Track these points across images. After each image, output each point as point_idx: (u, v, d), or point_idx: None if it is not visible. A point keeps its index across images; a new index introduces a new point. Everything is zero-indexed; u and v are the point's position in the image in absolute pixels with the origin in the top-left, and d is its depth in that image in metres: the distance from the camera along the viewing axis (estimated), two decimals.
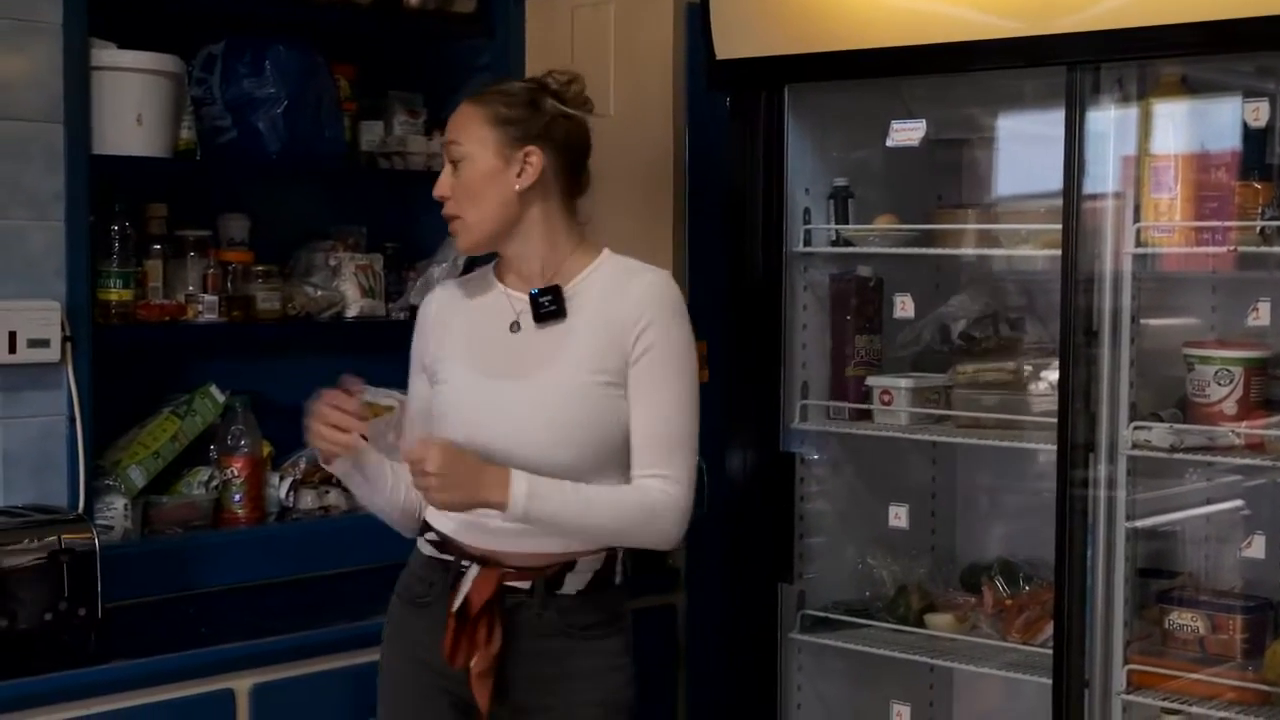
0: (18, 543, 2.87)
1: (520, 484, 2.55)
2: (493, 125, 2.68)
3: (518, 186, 2.68)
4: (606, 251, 2.76)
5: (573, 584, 2.68)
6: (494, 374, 2.67)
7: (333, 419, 2.62)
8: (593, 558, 2.69)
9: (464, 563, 2.65)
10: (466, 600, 2.62)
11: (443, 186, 2.71)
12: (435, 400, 2.73)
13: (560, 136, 2.72)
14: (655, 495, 2.65)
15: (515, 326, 2.70)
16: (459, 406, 2.68)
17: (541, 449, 2.62)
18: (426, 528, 2.74)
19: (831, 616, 3.58)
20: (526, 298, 2.70)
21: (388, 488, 2.74)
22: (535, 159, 2.68)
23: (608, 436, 2.65)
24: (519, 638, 2.65)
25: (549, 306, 2.68)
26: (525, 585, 2.65)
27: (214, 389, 3.57)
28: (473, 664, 2.62)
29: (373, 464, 2.72)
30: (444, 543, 2.69)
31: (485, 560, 2.65)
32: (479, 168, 2.68)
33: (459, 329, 2.74)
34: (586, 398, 2.64)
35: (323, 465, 2.76)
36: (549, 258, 2.72)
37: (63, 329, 3.16)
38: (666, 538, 2.69)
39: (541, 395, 2.64)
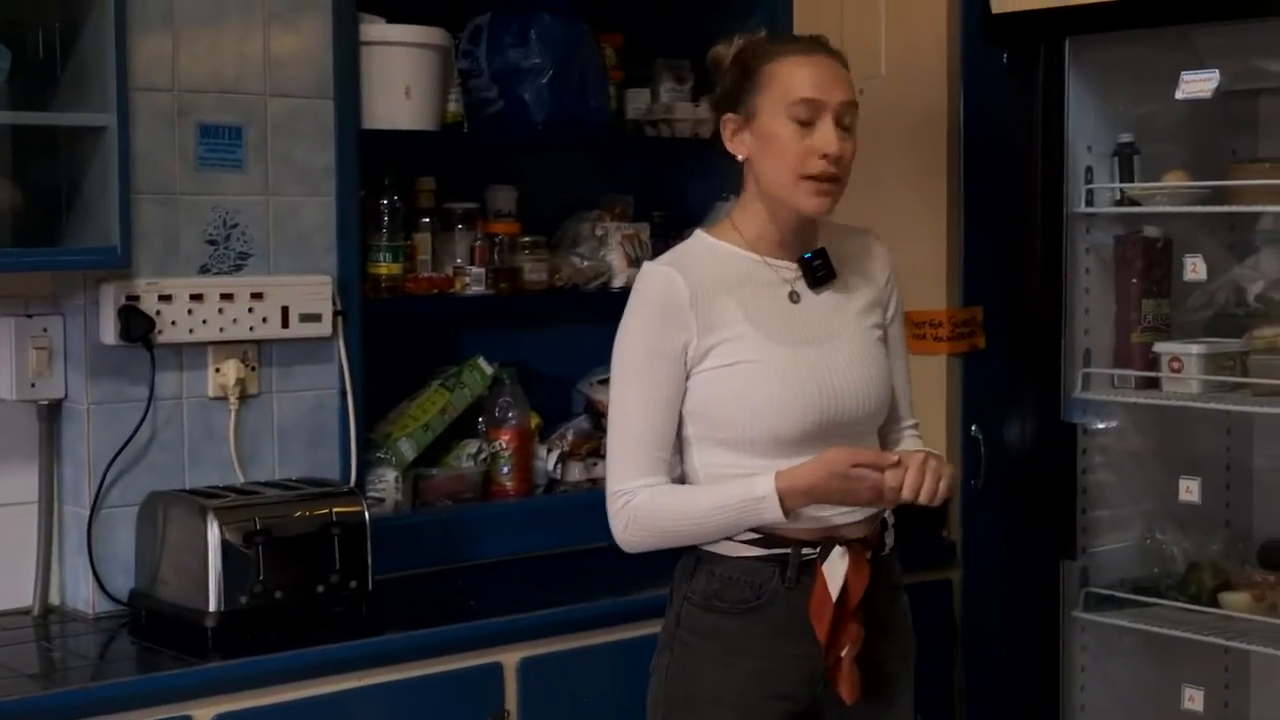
0: (291, 515, 2.91)
1: None
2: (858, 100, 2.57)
3: None
4: None
5: (889, 541, 2.61)
6: (803, 342, 2.52)
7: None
8: (889, 510, 2.61)
9: (806, 550, 2.49)
10: (845, 588, 2.47)
11: (841, 148, 2.49)
12: (724, 386, 2.49)
13: None
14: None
15: (794, 296, 2.57)
16: (787, 381, 2.48)
17: (880, 402, 2.58)
18: None
19: (1118, 595, 3.45)
20: (790, 265, 2.58)
21: None
22: None
23: (890, 387, 2.64)
24: (872, 612, 2.53)
25: (822, 270, 2.58)
26: (869, 555, 2.53)
27: (482, 361, 3.59)
28: (844, 653, 2.49)
29: None
30: (765, 536, 2.52)
31: (831, 541, 2.49)
32: (855, 141, 2.55)
33: (729, 309, 2.51)
34: (880, 349, 2.61)
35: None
36: (812, 226, 2.61)
37: (334, 303, 3.20)
38: None
39: (855, 354, 2.55)
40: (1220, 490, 3.64)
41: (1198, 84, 3.25)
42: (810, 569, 2.49)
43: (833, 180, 2.49)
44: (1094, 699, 3.49)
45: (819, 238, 2.61)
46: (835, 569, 2.48)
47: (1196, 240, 3.46)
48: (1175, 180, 3.37)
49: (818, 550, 2.49)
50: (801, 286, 2.58)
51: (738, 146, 2.54)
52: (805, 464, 2.44)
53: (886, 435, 2.69)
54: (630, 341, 2.54)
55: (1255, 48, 3.40)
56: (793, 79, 2.49)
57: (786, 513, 2.43)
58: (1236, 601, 3.35)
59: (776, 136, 2.49)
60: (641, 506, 2.50)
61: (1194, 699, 3.38)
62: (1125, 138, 3.42)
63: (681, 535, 2.51)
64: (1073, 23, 3.27)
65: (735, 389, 2.49)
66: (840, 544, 2.49)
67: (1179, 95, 3.28)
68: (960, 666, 3.71)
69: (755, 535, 2.51)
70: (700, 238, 2.61)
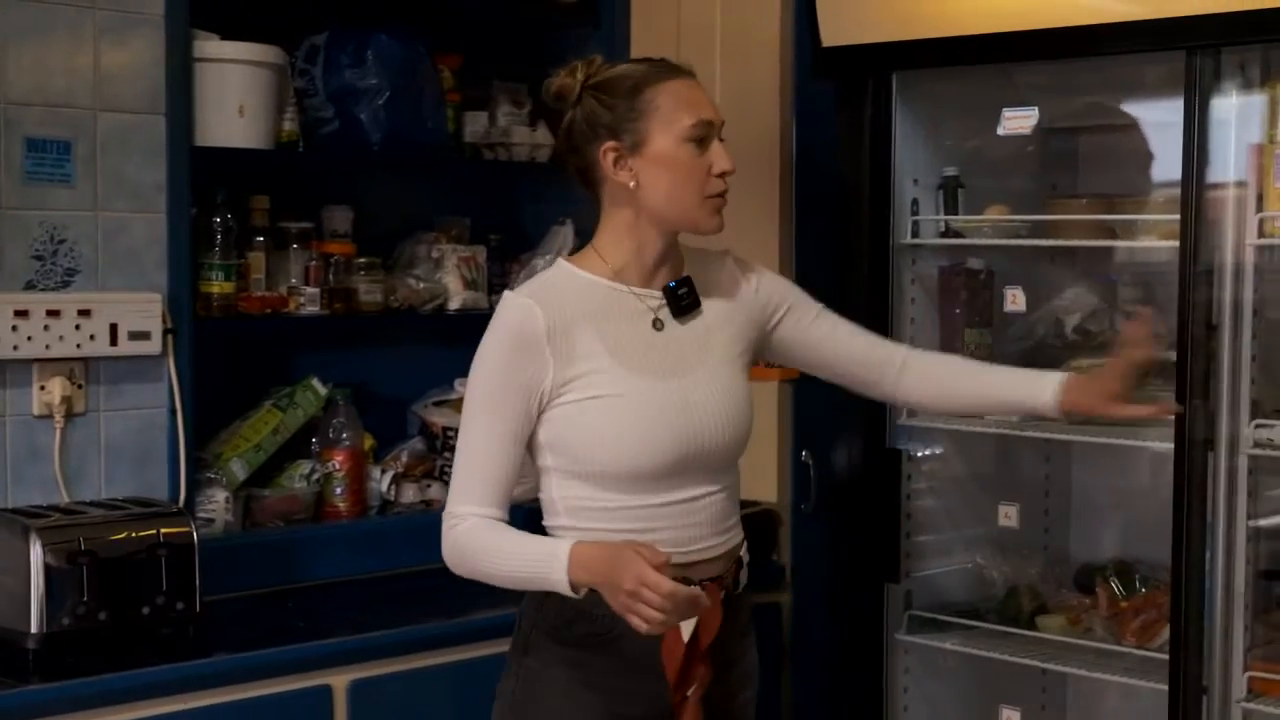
0: (117, 535, 2.87)
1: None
2: None
3: None
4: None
5: (744, 578, 2.61)
6: (664, 374, 2.49)
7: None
8: (745, 546, 2.62)
9: None
10: (696, 634, 2.45)
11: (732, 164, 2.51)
12: (582, 420, 2.45)
13: None
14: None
15: (658, 324, 2.53)
16: (644, 416, 2.44)
17: (740, 436, 2.55)
18: None
19: (940, 618, 3.52)
20: (655, 294, 2.54)
21: None
22: None
23: (751, 419, 2.61)
24: (724, 650, 2.53)
25: (687, 299, 2.56)
26: (723, 594, 2.52)
27: (316, 381, 3.56)
28: (691, 692, 2.47)
29: None
30: None
31: (687, 581, 2.39)
32: None
33: (590, 341, 2.47)
34: (743, 382, 2.59)
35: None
36: (678, 254, 2.60)
37: (164, 321, 3.17)
38: None
39: (717, 387, 2.53)
40: (1039, 516, 3.74)
41: (1018, 121, 3.35)
42: None
43: (724, 196, 2.52)
44: (916, 707, 3.57)
45: (684, 266, 2.60)
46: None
47: (1017, 272, 3.55)
48: (997, 214, 3.47)
49: None
50: (666, 315, 2.55)
51: (623, 174, 2.49)
52: (602, 549, 2.36)
53: (899, 372, 2.70)
54: (483, 370, 2.49)
55: (1075, 87, 3.51)
56: (683, 102, 2.48)
57: (574, 586, 2.36)
58: (1053, 624, 3.44)
59: (676, 159, 2.47)
60: (463, 536, 2.47)
61: (1011, 719, 3.47)
62: (950, 171, 3.50)
63: (489, 575, 2.46)
64: (899, 58, 3.35)
65: (594, 423, 2.46)
66: (695, 584, 2.43)
67: (1000, 131, 3.37)
68: (790, 688, 3.76)
69: None
70: (562, 266, 2.57)
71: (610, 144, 2.49)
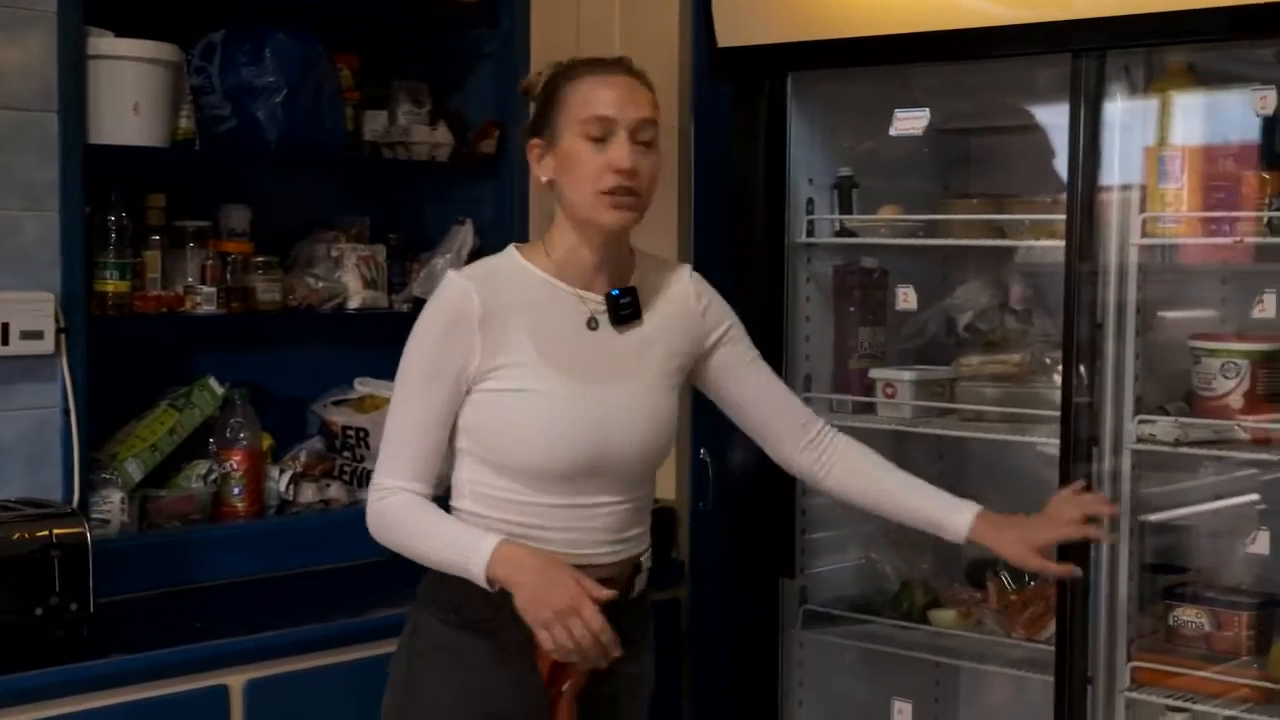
0: (8, 537, 2.85)
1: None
2: (658, 118, 2.57)
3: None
4: (636, 247, 2.65)
5: (639, 585, 2.63)
6: (588, 379, 2.50)
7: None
8: (648, 553, 2.65)
9: None
10: None
11: (635, 161, 2.47)
12: (498, 410, 2.48)
13: None
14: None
15: (593, 323, 2.54)
16: (559, 417, 2.47)
17: (652, 453, 2.57)
18: None
19: (834, 612, 3.56)
20: (596, 297, 2.54)
21: None
22: None
23: (673, 437, 2.63)
24: None
25: (628, 309, 2.55)
26: (613, 595, 2.49)
27: (213, 381, 3.56)
28: (565, 688, 2.51)
29: None
30: None
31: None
32: (658, 157, 2.54)
33: (520, 334, 2.48)
34: (670, 399, 2.60)
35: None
36: (624, 259, 2.60)
37: (56, 320, 3.14)
38: None
39: (640, 399, 2.54)
40: None
41: (910, 122, 3.38)
42: None
43: (629, 194, 2.48)
44: (811, 713, 3.60)
45: (633, 273, 2.59)
46: None
47: (911, 271, 3.59)
48: (890, 213, 3.52)
49: None
50: (604, 320, 2.55)
51: (543, 169, 2.53)
52: (536, 557, 2.41)
53: (808, 449, 2.73)
54: (416, 348, 2.52)
55: (966, 89, 3.56)
56: (587, 98, 2.49)
57: (490, 581, 2.40)
58: (945, 618, 3.48)
59: (574, 154, 2.48)
60: (391, 509, 2.50)
61: (904, 711, 3.52)
62: (845, 171, 3.54)
63: (410, 550, 2.50)
64: (794, 59, 3.38)
65: (508, 415, 2.48)
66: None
67: (892, 132, 3.40)
68: (689, 683, 3.79)
69: None
70: (511, 255, 2.58)
71: (534, 140, 2.54)
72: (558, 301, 2.53)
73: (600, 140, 2.48)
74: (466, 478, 2.54)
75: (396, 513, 2.50)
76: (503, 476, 2.50)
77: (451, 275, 2.54)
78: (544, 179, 2.54)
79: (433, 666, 2.55)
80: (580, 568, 2.46)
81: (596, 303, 2.55)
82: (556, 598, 2.36)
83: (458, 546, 2.45)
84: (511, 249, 2.60)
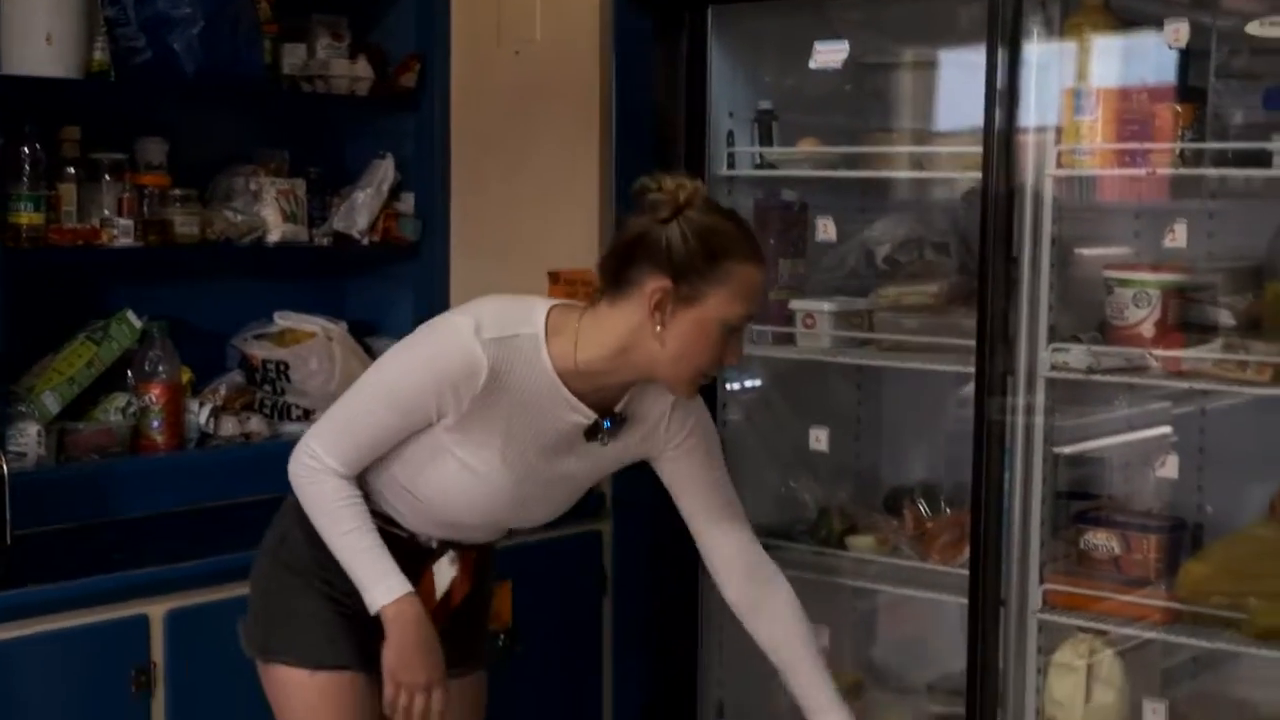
0: None
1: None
2: None
3: None
4: None
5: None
6: (534, 475, 2.53)
7: None
8: None
9: (423, 539, 2.61)
10: (449, 591, 2.63)
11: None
12: (436, 461, 2.52)
13: None
14: None
15: (571, 437, 2.52)
16: (484, 497, 2.54)
17: (548, 521, 2.69)
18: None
19: None
20: (588, 412, 2.50)
21: None
22: None
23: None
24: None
25: (611, 436, 2.54)
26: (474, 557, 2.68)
27: (130, 315, 3.53)
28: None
29: None
30: (391, 525, 2.60)
31: (446, 546, 2.62)
32: None
33: (497, 420, 2.47)
34: (597, 478, 2.67)
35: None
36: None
37: None
38: None
39: (564, 489, 2.61)
40: (850, 440, 3.83)
41: (829, 55, 3.40)
42: (423, 557, 2.60)
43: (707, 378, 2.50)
44: (731, 641, 3.64)
45: (624, 397, 2.55)
46: (444, 573, 2.61)
47: (830, 204, 3.62)
48: (809, 147, 3.54)
49: (434, 544, 2.61)
50: (580, 434, 2.53)
51: (659, 315, 2.39)
52: (427, 632, 2.50)
53: (726, 547, 2.69)
54: (403, 375, 2.50)
55: (886, 23, 3.59)
56: (747, 290, 2.41)
57: (378, 612, 2.50)
58: (862, 544, 3.54)
59: (708, 334, 2.40)
60: (325, 484, 2.52)
61: (821, 636, 3.53)
62: (765, 105, 3.56)
63: (325, 535, 2.54)
64: None
65: (442, 474, 2.52)
66: (455, 550, 2.62)
67: (812, 64, 3.42)
68: (611, 614, 3.83)
69: (382, 522, 2.56)
70: (538, 340, 2.46)
71: (666, 283, 2.38)
72: (552, 405, 2.49)
73: (735, 331, 2.44)
74: (371, 476, 2.58)
75: (324, 500, 2.54)
76: (410, 492, 2.58)
77: (470, 337, 2.43)
78: (656, 328, 2.40)
79: (297, 579, 2.61)
80: (457, 542, 2.62)
81: (585, 417, 2.51)
82: (422, 671, 2.50)
83: (370, 566, 2.51)
84: (540, 329, 2.47)
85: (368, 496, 2.56)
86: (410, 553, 2.57)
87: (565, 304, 2.53)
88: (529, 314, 2.48)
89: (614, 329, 2.43)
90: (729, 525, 2.68)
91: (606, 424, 2.52)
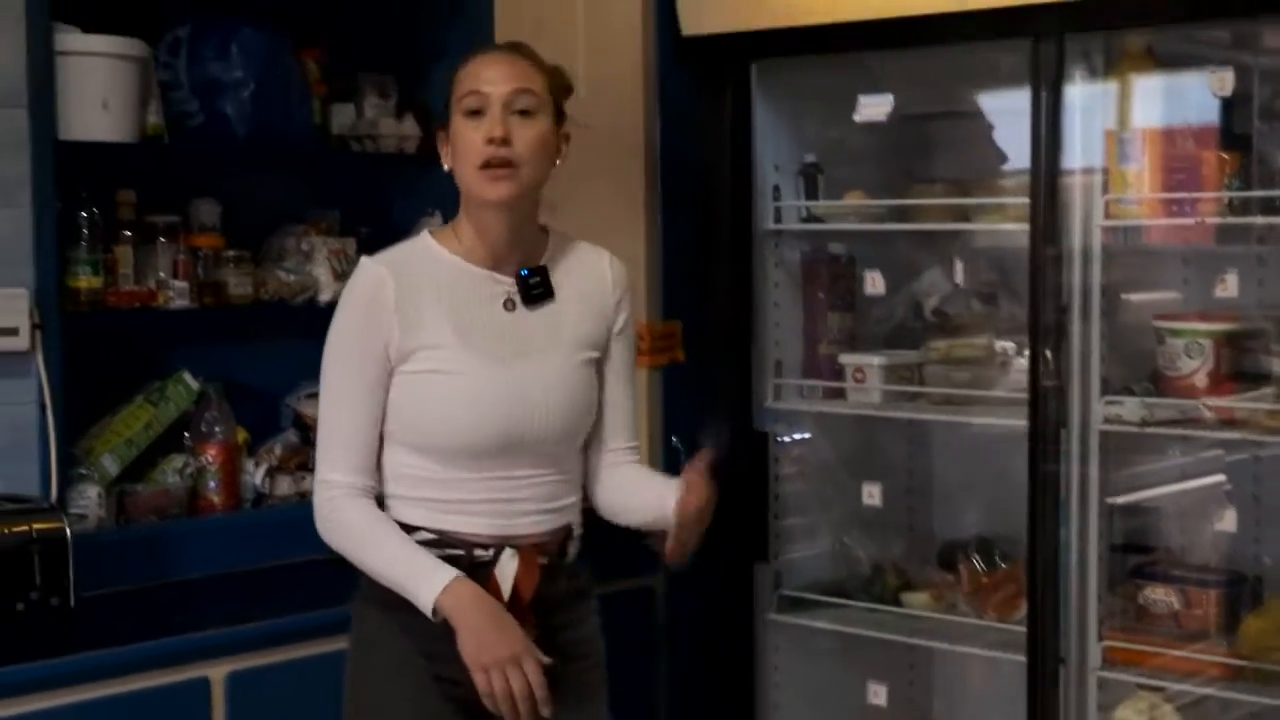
0: None
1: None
2: (549, 93, 2.58)
3: (557, 161, 2.61)
4: (550, 227, 2.69)
5: (573, 550, 2.67)
6: (505, 359, 2.54)
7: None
8: (579, 522, 2.68)
9: (479, 551, 2.55)
10: (515, 589, 2.53)
11: (508, 132, 2.49)
12: (419, 392, 2.52)
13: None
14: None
15: (509, 304, 2.58)
16: (479, 398, 2.51)
17: (572, 428, 2.61)
18: (410, 529, 2.58)
19: (808, 597, 3.59)
20: (508, 278, 2.58)
21: None
22: (566, 144, 2.62)
23: (593, 412, 2.65)
24: (548, 614, 2.58)
25: (539, 289, 2.59)
26: (545, 561, 2.58)
27: (187, 375, 3.56)
28: None
29: None
30: (441, 538, 2.57)
31: (504, 545, 2.55)
32: (544, 126, 2.55)
33: (437, 316, 2.53)
34: (586, 375, 2.63)
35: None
36: (533, 238, 2.64)
37: (31, 316, 3.14)
38: None
39: (556, 377, 2.58)
40: (903, 495, 3.83)
41: (873, 108, 3.42)
42: (485, 570, 2.53)
43: (505, 164, 2.50)
44: (786, 697, 3.64)
45: (545, 252, 2.63)
46: (505, 570, 2.54)
47: (878, 256, 3.63)
48: (855, 200, 3.55)
49: (491, 553, 2.55)
50: (518, 298, 2.59)
51: (445, 158, 2.58)
52: (489, 603, 2.47)
53: (601, 458, 2.70)
54: (339, 337, 2.57)
55: (926, 74, 3.59)
56: (466, 78, 2.54)
57: (435, 611, 2.46)
58: (917, 601, 3.53)
59: (457, 135, 2.54)
60: (343, 513, 2.54)
61: (878, 694, 3.56)
62: (810, 158, 3.58)
63: (360, 563, 2.54)
64: (758, 47, 3.41)
65: (428, 396, 2.52)
66: (512, 547, 2.55)
67: (856, 118, 3.44)
68: (664, 671, 3.82)
69: (432, 535, 2.55)
70: (423, 239, 2.62)
71: (440, 131, 2.60)
72: (471, 283, 2.57)
73: (477, 115, 2.51)
74: (388, 460, 2.59)
75: (348, 526, 2.54)
76: (423, 456, 2.55)
77: (365, 261, 2.59)
78: (446, 168, 2.58)
79: (386, 650, 2.58)
80: (507, 539, 2.54)
81: (509, 284, 2.58)
82: (502, 645, 2.44)
83: (410, 570, 2.50)
84: (425, 234, 2.64)
85: (408, 525, 2.55)
86: (470, 569, 2.52)
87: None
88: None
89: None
90: (616, 425, 2.69)
91: (524, 272, 2.57)
